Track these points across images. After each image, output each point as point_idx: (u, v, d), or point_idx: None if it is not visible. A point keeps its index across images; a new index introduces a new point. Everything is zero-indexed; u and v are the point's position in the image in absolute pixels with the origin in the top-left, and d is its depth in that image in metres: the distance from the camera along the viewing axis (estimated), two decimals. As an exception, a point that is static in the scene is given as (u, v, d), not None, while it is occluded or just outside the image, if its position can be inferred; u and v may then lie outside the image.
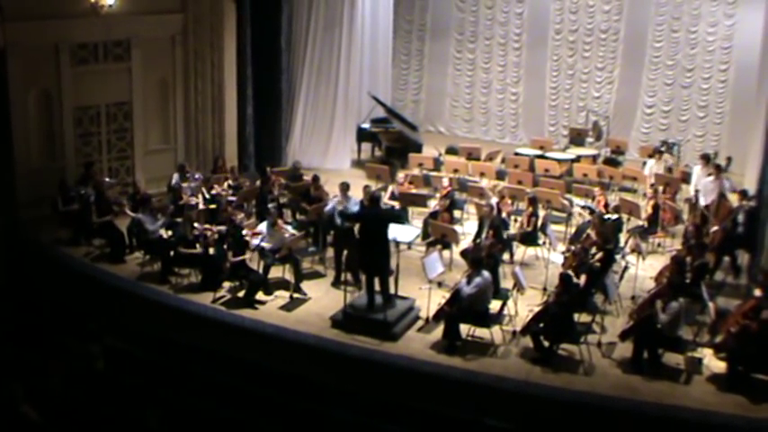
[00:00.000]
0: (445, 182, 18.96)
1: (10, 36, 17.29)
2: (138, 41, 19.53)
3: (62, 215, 17.73)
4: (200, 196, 18.11)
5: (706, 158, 18.83)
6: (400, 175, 19.54)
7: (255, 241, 15.84)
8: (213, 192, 18.25)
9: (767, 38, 19.22)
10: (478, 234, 16.83)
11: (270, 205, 18.00)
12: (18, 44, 17.54)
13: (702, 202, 17.97)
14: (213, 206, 17.81)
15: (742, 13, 22.75)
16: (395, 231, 14.71)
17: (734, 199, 17.87)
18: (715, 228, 16.78)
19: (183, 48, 20.37)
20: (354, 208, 16.31)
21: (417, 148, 23.14)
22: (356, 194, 17.32)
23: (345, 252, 16.06)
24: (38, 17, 17.74)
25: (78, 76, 18.86)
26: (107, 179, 18.61)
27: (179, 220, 16.66)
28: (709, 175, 18.24)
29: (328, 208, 16.70)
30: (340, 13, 22.86)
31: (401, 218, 15.78)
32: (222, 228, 16.29)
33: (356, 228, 15.41)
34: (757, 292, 13.52)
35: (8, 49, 17.40)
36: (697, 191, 18.50)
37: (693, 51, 23.72)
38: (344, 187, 16.80)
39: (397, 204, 18.29)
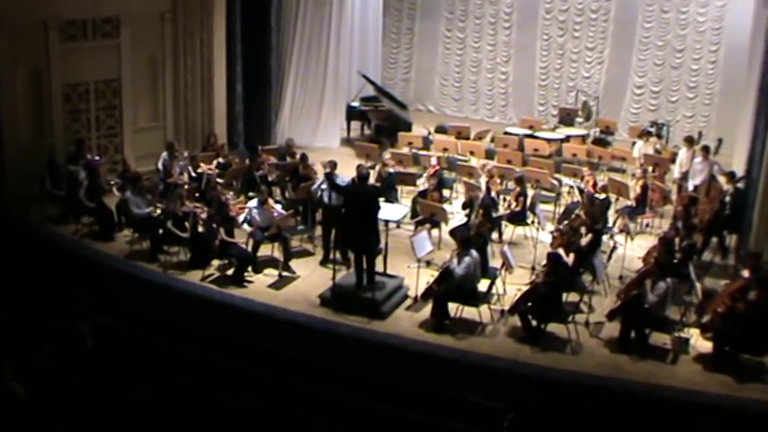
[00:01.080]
0: (433, 161, 18.97)
1: (-2, 13, 17.26)
2: (128, 18, 19.38)
3: (49, 194, 17.67)
4: (185, 175, 18.06)
5: (690, 141, 18.93)
6: (386, 155, 19.47)
7: (242, 217, 15.87)
8: (199, 170, 18.16)
9: (757, 19, 19.21)
10: (469, 213, 16.85)
11: (258, 176, 18.00)
12: (6, 21, 17.42)
13: (691, 183, 18.00)
14: (197, 184, 17.78)
15: (733, -6, 22.79)
16: (384, 210, 14.72)
17: (722, 181, 17.91)
18: (705, 209, 16.83)
19: (172, 25, 20.22)
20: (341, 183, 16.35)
21: (407, 126, 23.11)
22: (344, 172, 17.34)
23: (334, 231, 16.07)
24: (26, -6, 17.65)
25: (67, 53, 18.72)
26: (96, 157, 18.51)
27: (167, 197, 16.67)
28: (697, 157, 18.27)
29: (315, 186, 16.68)
30: (330, -9, 22.80)
31: (385, 196, 15.73)
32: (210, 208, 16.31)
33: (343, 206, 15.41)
34: (745, 273, 13.63)
35: (-4, 26, 17.36)
36: (683, 173, 18.57)
37: (684, 32, 23.70)
38: (332, 165, 16.77)
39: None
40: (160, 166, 18.46)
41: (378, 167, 18.75)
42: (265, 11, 21.90)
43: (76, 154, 18.16)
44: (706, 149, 18.47)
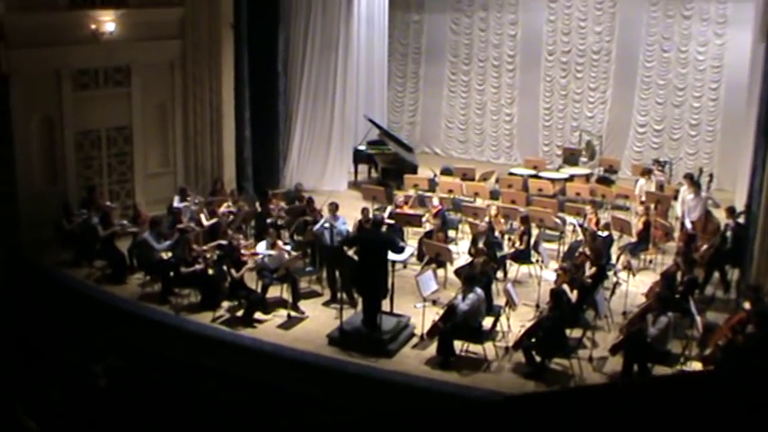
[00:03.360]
0: (435, 202, 19.29)
1: (13, 62, 17.70)
2: (138, 67, 19.88)
3: (65, 236, 18.00)
4: (202, 217, 18.38)
5: (690, 178, 19.03)
6: (400, 197, 19.79)
7: (257, 259, 16.18)
8: (214, 214, 18.51)
9: (755, 56, 19.56)
10: (472, 252, 17.10)
11: (268, 221, 18.33)
12: (21, 70, 17.91)
13: (687, 220, 18.23)
14: (213, 221, 18.12)
15: (731, 33, 23.12)
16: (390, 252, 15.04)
17: (720, 215, 18.15)
18: (704, 244, 17.07)
19: (181, 73, 20.69)
20: (342, 227, 16.72)
21: (413, 169, 23.45)
22: (351, 215, 17.69)
23: (338, 271, 16.38)
24: (40, 44, 18.08)
25: (79, 102, 19.19)
26: (107, 203, 18.87)
27: (178, 241, 16.97)
28: (689, 194, 18.52)
29: (317, 227, 17.04)
30: (336, 37, 23.17)
31: (401, 246, 16.01)
32: (221, 242, 16.61)
33: (353, 250, 15.74)
34: (746, 306, 13.80)
35: (11, 75, 17.79)
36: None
37: (684, 71, 24.06)
38: (333, 207, 17.16)
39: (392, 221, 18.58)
40: (174, 207, 18.77)
41: (389, 209, 19.09)
42: (272, 57, 22.31)
43: (88, 199, 18.51)
44: (697, 185, 18.69)
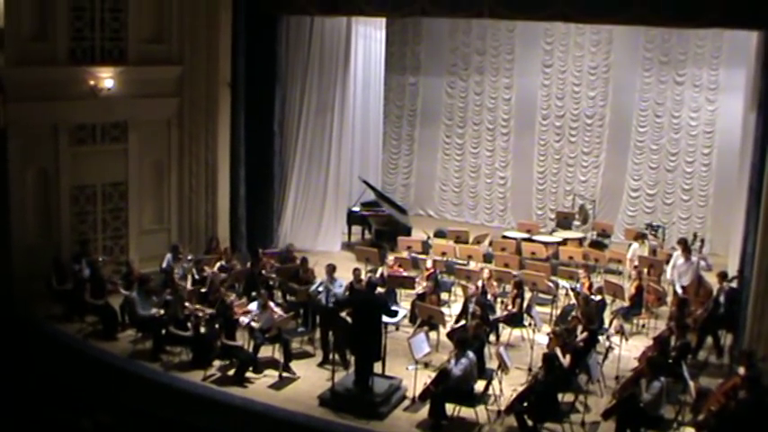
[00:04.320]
0: (429, 263, 19.28)
1: (11, 115, 17.84)
2: (135, 124, 19.97)
3: (56, 293, 17.94)
4: (188, 278, 18.35)
5: (684, 243, 19.00)
6: (390, 258, 19.80)
7: (245, 319, 16.11)
8: (204, 273, 18.49)
9: (746, 122, 19.74)
10: (463, 314, 17.05)
11: (261, 287, 18.32)
12: (19, 123, 18.01)
13: (678, 285, 18.25)
14: (202, 288, 18.03)
15: (723, 99, 23.39)
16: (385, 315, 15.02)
17: (711, 279, 18.17)
18: (697, 309, 17.08)
19: (178, 130, 20.79)
20: (339, 290, 16.71)
21: (407, 231, 23.48)
22: (345, 276, 17.68)
23: (331, 333, 16.35)
24: (39, 98, 18.21)
25: (76, 156, 19.24)
26: (101, 258, 18.85)
27: (170, 299, 16.93)
28: (680, 258, 18.54)
29: (313, 289, 17.05)
30: (332, 99, 23.33)
31: (394, 310, 16.02)
32: (212, 310, 16.59)
33: (347, 312, 15.71)
34: (740, 371, 13.75)
35: (9, 128, 17.90)
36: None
37: (677, 136, 24.27)
38: (330, 269, 17.21)
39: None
40: (164, 265, 18.74)
41: (381, 270, 19.09)
42: (269, 117, 22.37)
43: (81, 253, 18.48)
44: (687, 250, 18.71)
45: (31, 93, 18.05)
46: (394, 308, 16.23)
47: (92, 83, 18.99)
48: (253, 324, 16.05)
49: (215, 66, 20.86)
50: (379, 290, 17.85)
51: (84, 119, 19.26)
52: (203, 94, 20.87)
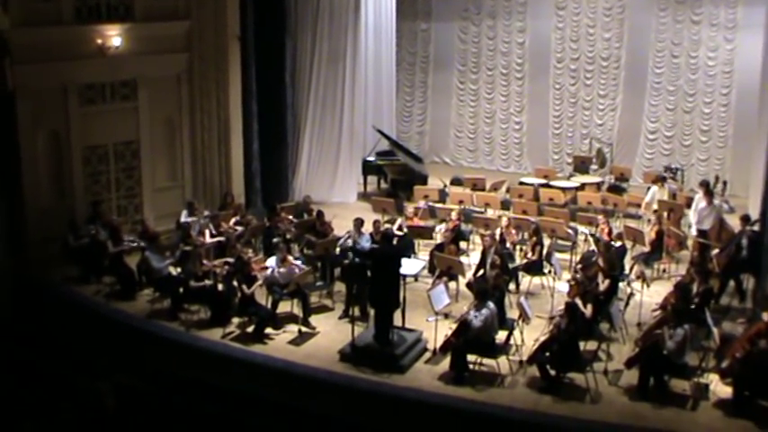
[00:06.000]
0: (454, 215, 19.09)
1: (19, 78, 17.65)
2: (145, 81, 19.78)
3: (72, 252, 17.89)
4: (206, 232, 18.24)
5: (706, 186, 18.71)
6: (409, 209, 19.62)
7: (264, 275, 16.02)
8: (221, 229, 18.38)
9: (766, 61, 19.36)
10: (481, 265, 16.90)
11: (275, 239, 18.22)
12: (27, 86, 17.84)
13: (695, 227, 18.02)
14: (220, 239, 17.98)
15: (741, 37, 22.94)
16: (402, 265, 14.88)
17: (734, 221, 17.92)
18: (717, 252, 16.87)
19: (188, 86, 20.59)
20: (366, 244, 16.55)
21: (422, 179, 23.34)
22: (365, 229, 17.56)
23: (355, 286, 16.24)
24: (46, 59, 18.00)
25: (86, 117, 19.09)
26: (114, 218, 18.80)
27: (187, 249, 16.88)
28: (701, 202, 18.28)
29: (341, 242, 16.95)
30: (343, 48, 23.05)
31: (410, 251, 15.92)
32: (228, 260, 16.49)
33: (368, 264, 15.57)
34: (764, 317, 13.56)
35: (17, 91, 17.72)
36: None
37: (695, 76, 23.89)
38: (359, 223, 17.04)
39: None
40: (182, 222, 18.65)
41: (399, 221, 18.95)
42: (280, 69, 22.20)
43: (94, 215, 18.41)
44: (709, 194, 18.43)
45: (38, 54, 17.83)
46: (411, 260, 16.12)
47: (99, 41, 18.76)
48: (276, 276, 15.95)
49: (223, 19, 20.62)
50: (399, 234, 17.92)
51: (92, 78, 19.07)
52: (212, 48, 20.65)
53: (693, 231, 17.93)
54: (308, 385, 14.25)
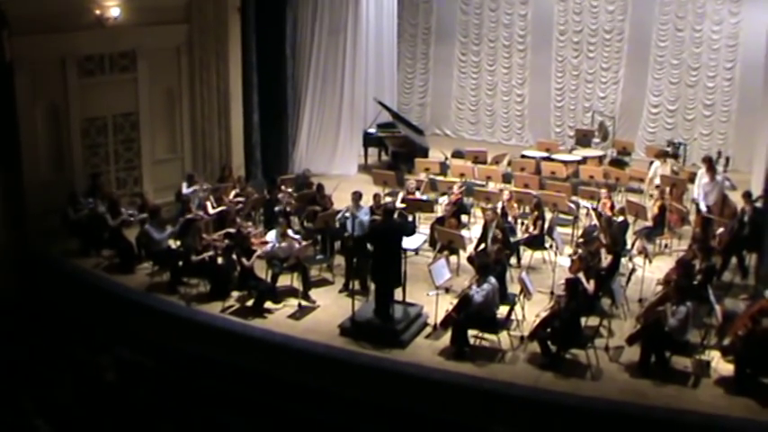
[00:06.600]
0: (456, 188, 18.98)
1: (17, 49, 17.38)
2: (144, 52, 19.57)
3: (72, 225, 17.79)
4: (208, 204, 18.14)
5: (709, 161, 18.57)
6: (411, 183, 19.49)
7: (267, 248, 15.94)
8: (221, 202, 18.28)
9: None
10: (482, 239, 16.82)
11: (276, 210, 18.13)
12: (25, 57, 17.61)
13: (703, 204, 17.92)
14: (223, 208, 17.91)
15: (747, 11, 22.73)
16: (404, 241, 14.79)
17: (736, 197, 17.82)
18: (721, 229, 16.78)
19: (188, 57, 20.38)
20: (365, 217, 16.44)
21: (424, 152, 23.21)
22: (365, 201, 17.45)
23: (355, 260, 16.14)
24: (44, 30, 17.74)
25: (85, 88, 18.90)
26: (113, 191, 18.71)
27: (188, 227, 16.80)
28: (704, 177, 18.15)
29: (339, 216, 16.84)
30: (344, 19, 22.85)
31: (413, 230, 15.81)
32: (230, 231, 16.41)
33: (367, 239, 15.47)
34: (767, 294, 13.53)
35: (15, 63, 17.47)
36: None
37: (698, 50, 23.67)
38: (357, 196, 16.89)
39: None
40: (182, 194, 18.54)
41: (401, 194, 18.85)
42: (280, 40, 22.01)
43: (93, 188, 18.31)
44: (712, 169, 18.30)
45: (36, 25, 17.54)
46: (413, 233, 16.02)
47: (97, 12, 18.50)
48: (276, 249, 15.89)
49: (223, -11, 20.40)
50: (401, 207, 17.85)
51: (91, 49, 18.85)
52: (212, 19, 20.40)
53: (703, 207, 17.78)
54: (308, 360, 14.21)
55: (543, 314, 13.88)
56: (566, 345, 13.57)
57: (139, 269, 17.19)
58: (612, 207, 17.45)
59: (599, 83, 25.24)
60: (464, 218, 18.82)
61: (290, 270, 16.10)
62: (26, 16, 17.37)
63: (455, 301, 14.34)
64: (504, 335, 14.17)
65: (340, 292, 16.29)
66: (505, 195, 18.13)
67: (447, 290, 15.66)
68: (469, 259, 16.50)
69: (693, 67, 23.79)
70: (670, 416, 12.36)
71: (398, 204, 18.08)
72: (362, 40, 23.77)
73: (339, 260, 17.15)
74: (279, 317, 15.40)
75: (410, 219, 18.08)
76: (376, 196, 17.45)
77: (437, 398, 13.26)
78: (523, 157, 22.36)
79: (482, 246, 16.67)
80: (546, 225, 17.36)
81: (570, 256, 16.07)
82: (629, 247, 16.83)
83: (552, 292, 15.44)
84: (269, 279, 15.86)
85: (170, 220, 17.61)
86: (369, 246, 15.15)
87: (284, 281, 16.23)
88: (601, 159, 22.46)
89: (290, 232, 16.51)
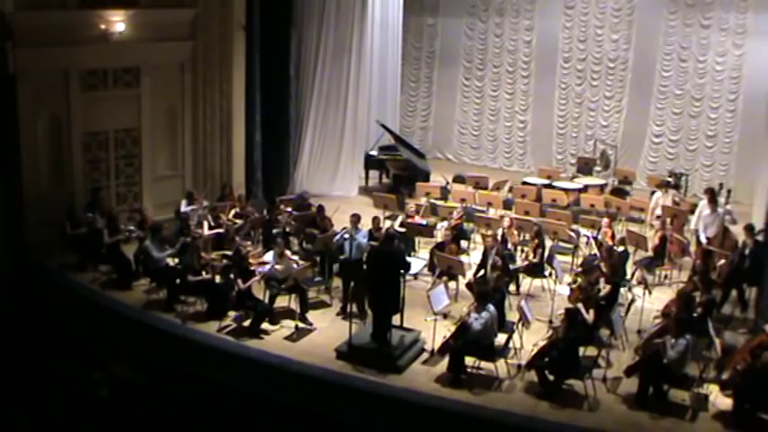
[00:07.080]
0: (456, 214, 18.94)
1: (21, 62, 17.42)
2: (148, 68, 19.62)
3: (70, 239, 17.71)
4: (205, 224, 18.08)
5: (711, 193, 18.56)
6: (411, 207, 19.43)
7: (264, 269, 15.85)
8: (220, 221, 18.22)
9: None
10: (482, 265, 16.74)
11: (275, 231, 18.06)
12: (28, 70, 17.64)
13: (703, 236, 17.86)
14: (219, 231, 17.82)
15: (751, 43, 22.83)
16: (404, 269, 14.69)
17: (737, 231, 17.77)
18: (722, 261, 16.72)
19: (192, 75, 20.45)
20: (363, 240, 16.33)
21: (425, 176, 23.16)
22: (364, 224, 17.37)
23: (352, 283, 16.05)
24: (48, 43, 17.80)
25: (87, 102, 18.92)
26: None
27: (187, 241, 16.72)
28: (706, 209, 18.12)
29: (337, 238, 16.73)
30: (349, 41, 22.90)
31: (408, 263, 15.67)
32: (227, 253, 16.34)
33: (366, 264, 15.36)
34: (766, 328, 13.44)
35: (19, 75, 17.51)
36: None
37: (702, 81, 23.73)
38: (355, 219, 16.78)
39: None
40: (181, 212, 18.47)
41: (401, 218, 18.79)
42: (284, 60, 22.06)
43: (92, 202, 18.23)
44: (714, 201, 18.26)
45: (41, 38, 17.61)
46: (411, 260, 15.91)
47: (103, 27, 18.59)
48: (274, 271, 15.80)
49: (229, 8, 20.48)
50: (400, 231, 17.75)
51: (95, 64, 18.90)
52: (217, 37, 20.50)
53: (703, 239, 17.73)
54: (303, 383, 14.08)
55: (541, 343, 13.80)
56: (563, 375, 13.46)
57: (137, 285, 17.10)
58: (613, 236, 17.40)
59: (602, 111, 25.28)
60: (464, 243, 18.75)
61: (287, 291, 16.01)
62: (31, 29, 17.47)
63: (453, 328, 14.23)
64: (501, 363, 14.03)
65: (337, 314, 16.19)
66: (506, 222, 18.06)
67: (445, 315, 15.52)
68: (468, 285, 16.41)
69: (696, 98, 23.83)
70: (667, 449, 12.28)
71: (397, 227, 18.01)
72: (366, 62, 23.79)
73: (338, 282, 17.03)
74: (275, 338, 15.28)
75: (411, 245, 18.06)
76: (375, 219, 17.38)
77: (433, 425, 13.13)
78: (525, 183, 22.33)
79: (482, 272, 16.61)
80: (546, 253, 17.29)
81: (569, 284, 16.01)
82: (628, 277, 16.76)
83: (551, 321, 15.35)
84: (266, 300, 15.76)
85: (169, 238, 17.52)
86: (366, 269, 15.02)
87: (282, 302, 16.14)
88: (602, 188, 22.43)
89: (287, 253, 16.42)
